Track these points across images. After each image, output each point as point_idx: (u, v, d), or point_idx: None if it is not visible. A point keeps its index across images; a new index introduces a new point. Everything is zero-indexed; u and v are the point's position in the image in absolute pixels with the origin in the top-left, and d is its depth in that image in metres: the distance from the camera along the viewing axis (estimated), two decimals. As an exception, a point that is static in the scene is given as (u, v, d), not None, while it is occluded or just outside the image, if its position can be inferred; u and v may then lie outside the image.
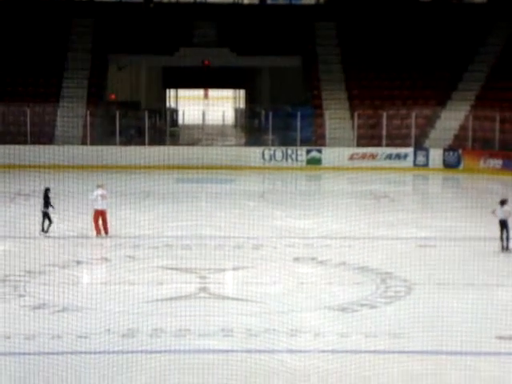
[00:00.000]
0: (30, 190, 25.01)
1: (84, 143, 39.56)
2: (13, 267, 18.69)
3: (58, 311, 16.01)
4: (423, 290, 17.62)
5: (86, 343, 14.20)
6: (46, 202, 22.80)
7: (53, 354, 13.66)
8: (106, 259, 20.43)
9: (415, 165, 38.96)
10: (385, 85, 42.34)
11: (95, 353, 13.74)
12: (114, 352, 13.75)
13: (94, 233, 22.57)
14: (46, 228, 22.75)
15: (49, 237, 22.20)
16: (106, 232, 22.71)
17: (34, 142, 38.43)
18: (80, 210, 22.99)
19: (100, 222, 22.66)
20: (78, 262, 19.98)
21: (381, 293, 17.81)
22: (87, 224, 22.51)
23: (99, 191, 22.92)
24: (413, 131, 40.14)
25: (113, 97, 46.52)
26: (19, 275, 18.60)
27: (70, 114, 40.43)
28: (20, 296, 17.21)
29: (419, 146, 39.65)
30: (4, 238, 22.72)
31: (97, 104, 42.03)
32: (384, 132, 39.94)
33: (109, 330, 14.75)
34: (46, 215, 22.79)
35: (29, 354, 13.63)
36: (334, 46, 44.83)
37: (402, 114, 40.80)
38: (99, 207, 22.71)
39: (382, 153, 39.21)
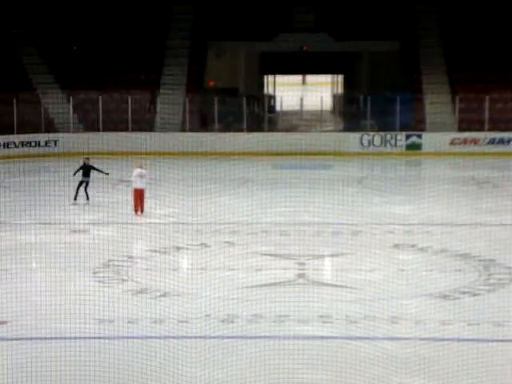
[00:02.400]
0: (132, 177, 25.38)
1: (183, 130, 40.02)
2: (115, 252, 19.08)
3: (160, 296, 16.24)
4: (527, 278, 17.16)
5: (186, 328, 14.36)
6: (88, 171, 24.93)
7: (155, 337, 13.87)
8: (205, 245, 20.63)
9: (519, 149, 37.93)
10: (487, 68, 41.30)
11: (195, 337, 13.88)
12: (213, 337, 13.86)
13: (133, 212, 23.39)
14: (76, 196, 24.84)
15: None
16: (142, 210, 23.33)
17: (134, 130, 39.13)
18: (179, 196, 23.28)
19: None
20: (178, 248, 20.23)
21: (483, 280, 17.42)
22: (186, 210, 22.78)
23: (137, 171, 23.36)
24: (516, 115, 39.09)
25: (211, 83, 46.87)
26: (121, 260, 18.98)
27: (170, 100, 40.96)
28: (123, 281, 17.54)
29: (523, 130, 38.58)
30: (107, 223, 23.23)
31: (196, 91, 42.43)
32: (487, 116, 38.99)
33: (208, 316, 14.87)
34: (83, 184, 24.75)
35: (132, 337, 13.89)
36: (435, 30, 43.98)
37: (506, 97, 39.71)
38: (138, 186, 23.34)
39: (484, 137, 38.32)
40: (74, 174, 25.49)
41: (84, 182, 25.24)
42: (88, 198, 25.19)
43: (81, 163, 25.78)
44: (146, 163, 24.97)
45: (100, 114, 39.90)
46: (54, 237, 21.36)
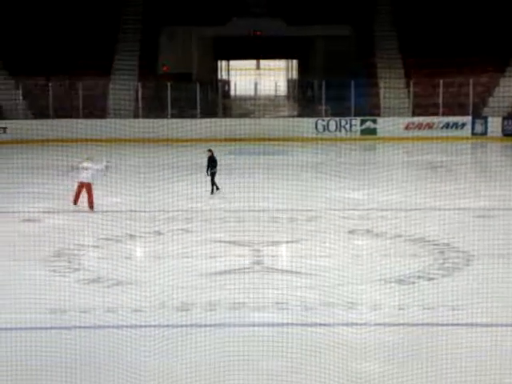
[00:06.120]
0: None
1: (136, 116, 39.62)
2: (67, 241, 18.76)
3: (113, 285, 16.00)
4: (482, 262, 17.20)
5: (140, 316, 14.15)
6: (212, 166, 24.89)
7: (108, 327, 13.64)
8: (158, 232, 20.38)
9: (473, 134, 38.25)
10: (441, 52, 41.50)
11: (150, 326, 13.68)
12: (168, 326, 13.68)
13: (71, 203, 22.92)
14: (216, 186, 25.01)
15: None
16: (91, 206, 22.76)
17: (86, 116, 38.62)
18: (132, 183, 22.99)
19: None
20: (131, 236, 19.96)
21: (438, 265, 17.45)
22: (138, 197, 22.49)
23: (84, 164, 22.91)
24: (470, 99, 39.35)
25: (165, 69, 46.48)
26: (73, 249, 18.66)
27: (123, 86, 40.52)
28: (75, 270, 17.25)
29: (477, 115, 38.85)
30: (57, 212, 22.84)
31: (148, 76, 42.03)
32: (441, 100, 39.20)
33: (163, 304, 14.68)
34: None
35: (85, 327, 13.64)
36: (389, 14, 44.08)
37: (460, 82, 39.95)
38: (83, 180, 22.81)
39: (438, 122, 38.56)
40: (207, 171, 25.26)
41: (213, 173, 25.18)
42: (218, 188, 25.27)
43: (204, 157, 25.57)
44: (93, 156, 24.28)
45: (50, 100, 39.28)
46: (4, 226, 20.97)
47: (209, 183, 25.25)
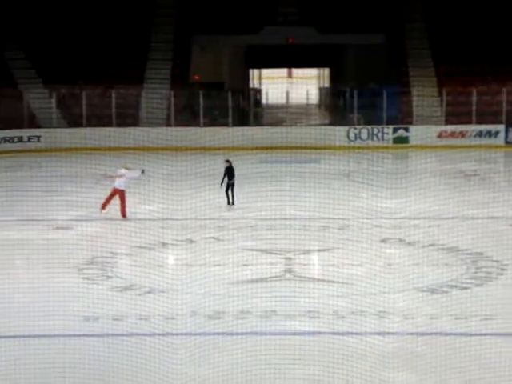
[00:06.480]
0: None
1: (168, 125, 39.81)
2: (100, 249, 18.87)
3: (145, 293, 16.06)
4: (516, 271, 17.07)
5: (172, 324, 14.20)
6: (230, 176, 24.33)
7: (140, 335, 13.70)
8: (190, 240, 20.45)
9: (507, 142, 37.95)
10: (474, 60, 41.25)
11: (182, 334, 13.72)
12: (199, 334, 13.71)
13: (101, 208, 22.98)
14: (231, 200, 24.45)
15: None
16: (124, 214, 22.80)
17: (119, 125, 38.87)
18: (164, 191, 23.09)
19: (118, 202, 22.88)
20: (164, 244, 20.04)
21: (471, 274, 17.31)
22: (171, 205, 22.58)
23: (122, 170, 23.04)
24: (504, 107, 39.02)
25: (196, 78, 46.67)
26: (106, 257, 18.77)
27: (155, 95, 40.74)
28: (108, 278, 17.34)
29: (511, 123, 38.52)
30: (90, 220, 23.00)
31: (180, 85, 42.21)
32: (474, 109, 38.94)
33: (195, 312, 14.71)
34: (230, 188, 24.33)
35: (117, 335, 13.71)
36: (421, 22, 43.90)
37: (493, 90, 39.67)
38: (117, 187, 22.87)
39: (471, 130, 38.30)
40: (222, 182, 24.53)
41: (231, 185, 24.58)
42: (233, 203, 24.60)
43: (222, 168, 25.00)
44: (129, 164, 24.37)
45: (83, 109, 39.60)
46: (38, 234, 21.16)
47: (230, 193, 24.58)
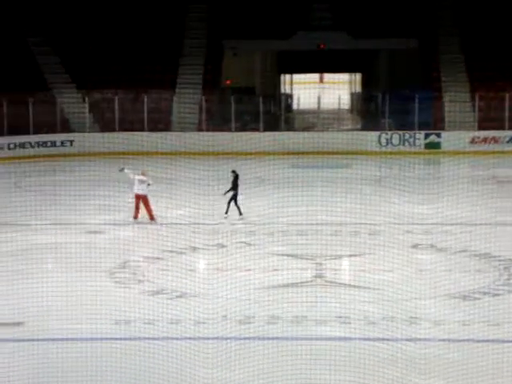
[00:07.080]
0: (149, 177, 25.33)
1: (200, 130, 39.92)
2: (131, 253, 18.98)
3: (176, 297, 16.13)
4: (549, 278, 16.92)
5: (203, 329, 14.25)
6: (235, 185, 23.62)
7: (171, 339, 13.76)
8: (221, 245, 20.50)
9: (540, 147, 37.57)
10: (507, 65, 40.91)
11: (212, 338, 13.75)
12: (230, 338, 13.73)
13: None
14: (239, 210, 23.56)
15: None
16: (152, 218, 22.88)
17: (151, 129, 39.07)
18: (196, 195, 23.16)
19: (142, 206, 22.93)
20: (194, 248, 20.11)
21: (503, 280, 17.19)
22: (202, 210, 22.65)
23: (139, 177, 23.10)
24: (538, 112, 38.69)
25: (228, 82, 46.76)
26: (137, 261, 18.88)
27: (186, 100, 40.87)
28: (139, 282, 17.44)
29: (544, 128, 38.19)
30: (122, 224, 23.15)
31: (212, 90, 42.33)
32: (507, 114, 38.62)
33: (225, 317, 14.74)
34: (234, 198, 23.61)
35: (149, 338, 13.78)
36: (453, 27, 43.65)
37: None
38: (139, 192, 22.92)
39: (504, 136, 37.97)
40: (227, 191, 23.72)
41: (235, 196, 23.84)
42: (226, 212, 23.69)
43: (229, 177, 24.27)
44: (147, 171, 24.31)
45: (116, 113, 39.86)
46: (70, 237, 21.32)
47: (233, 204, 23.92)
